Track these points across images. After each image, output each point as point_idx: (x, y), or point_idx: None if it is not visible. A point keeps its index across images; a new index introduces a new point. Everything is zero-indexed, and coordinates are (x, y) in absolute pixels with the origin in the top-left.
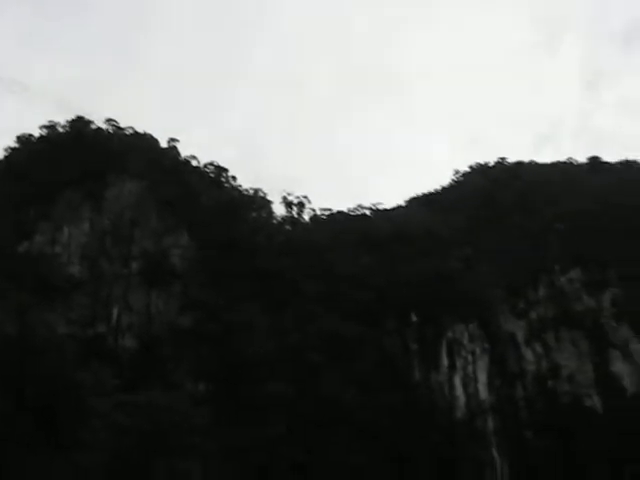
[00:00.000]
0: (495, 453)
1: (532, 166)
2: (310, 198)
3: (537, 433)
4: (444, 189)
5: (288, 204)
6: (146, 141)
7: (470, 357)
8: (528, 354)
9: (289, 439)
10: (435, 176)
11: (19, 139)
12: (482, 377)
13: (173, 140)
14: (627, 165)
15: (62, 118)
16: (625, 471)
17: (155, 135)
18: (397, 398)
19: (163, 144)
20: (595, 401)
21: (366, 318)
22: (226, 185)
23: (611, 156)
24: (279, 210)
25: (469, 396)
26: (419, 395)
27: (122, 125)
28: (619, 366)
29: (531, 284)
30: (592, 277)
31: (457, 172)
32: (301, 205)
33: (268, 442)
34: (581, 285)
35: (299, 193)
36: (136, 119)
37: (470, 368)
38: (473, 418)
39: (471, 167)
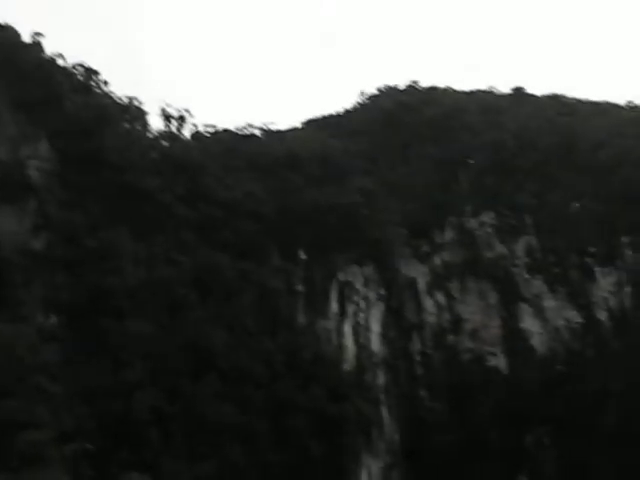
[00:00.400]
0: (384, 412)
1: (448, 93)
2: (194, 113)
3: (433, 392)
4: (347, 112)
5: (167, 117)
6: (4, 34)
7: (363, 303)
8: (429, 304)
9: (150, 384)
10: (339, 99)
11: None
12: (375, 327)
13: (38, 35)
14: (554, 99)
15: None
16: (527, 437)
17: (17, 29)
18: (277, 344)
19: (26, 39)
20: (500, 361)
21: (248, 252)
22: (96, 90)
23: (538, 89)
24: (156, 123)
25: (360, 347)
26: (302, 342)
27: None
28: (529, 323)
29: (437, 225)
30: (506, 222)
31: (363, 94)
32: (182, 119)
33: (126, 386)
34: (493, 230)
35: (181, 106)
36: None
37: (362, 316)
38: (362, 372)
39: (379, 89)
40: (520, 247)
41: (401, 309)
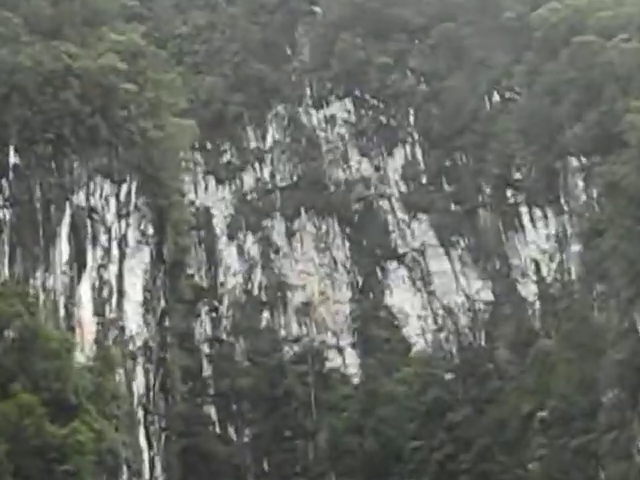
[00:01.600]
0: (142, 439)
1: None
2: None
3: (231, 410)
4: None
5: None
6: None
7: (116, 248)
8: (230, 255)
9: None
10: None
11: None
12: (134, 290)
13: None
14: None
15: None
16: None
17: None
18: None
19: None
20: (350, 360)
21: None
22: None
23: None
24: None
25: (105, 325)
26: (5, 312)
27: None
28: (402, 298)
29: (255, 118)
30: (372, 119)
31: None
32: None
33: None
34: (348, 132)
35: None
36: None
37: (113, 269)
38: (108, 369)
39: None
40: (394, 164)
41: (181, 262)
